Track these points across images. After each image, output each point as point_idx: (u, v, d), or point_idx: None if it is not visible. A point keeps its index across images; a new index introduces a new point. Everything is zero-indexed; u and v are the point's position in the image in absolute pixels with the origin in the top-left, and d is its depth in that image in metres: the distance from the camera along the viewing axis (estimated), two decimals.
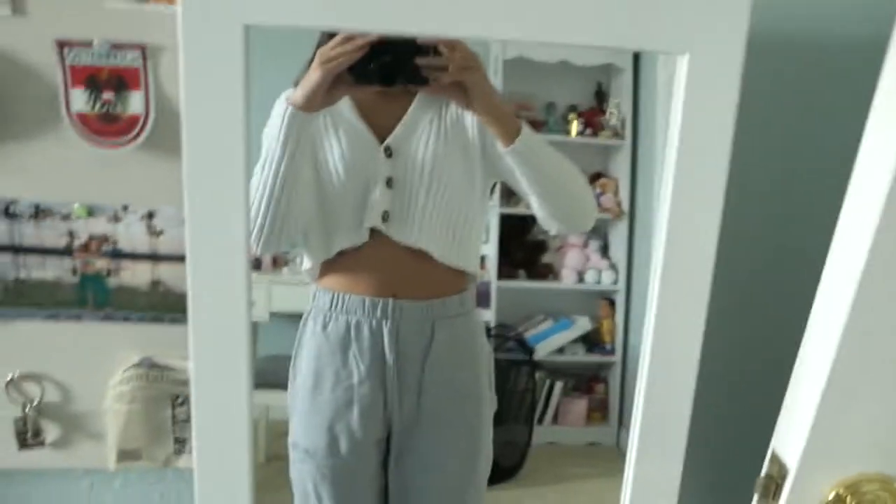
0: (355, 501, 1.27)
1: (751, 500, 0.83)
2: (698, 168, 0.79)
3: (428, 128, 1.21)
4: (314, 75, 1.04)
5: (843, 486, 0.74)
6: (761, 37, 0.77)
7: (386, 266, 1.21)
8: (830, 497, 0.75)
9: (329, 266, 1.25)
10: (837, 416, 0.72)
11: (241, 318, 0.82)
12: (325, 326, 1.23)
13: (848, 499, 0.74)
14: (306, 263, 1.29)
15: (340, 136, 1.20)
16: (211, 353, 0.81)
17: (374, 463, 1.27)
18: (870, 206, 0.65)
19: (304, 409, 1.24)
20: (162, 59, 0.77)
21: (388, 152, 1.19)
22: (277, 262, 3.31)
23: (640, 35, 0.77)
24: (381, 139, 1.20)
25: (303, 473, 1.26)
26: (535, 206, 1.22)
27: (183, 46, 0.72)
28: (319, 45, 1.11)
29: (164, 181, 0.81)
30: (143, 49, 0.75)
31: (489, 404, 1.31)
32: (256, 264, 3.23)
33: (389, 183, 1.19)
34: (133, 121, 0.78)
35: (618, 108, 3.11)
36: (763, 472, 0.81)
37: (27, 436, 0.91)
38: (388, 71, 1.04)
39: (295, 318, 1.33)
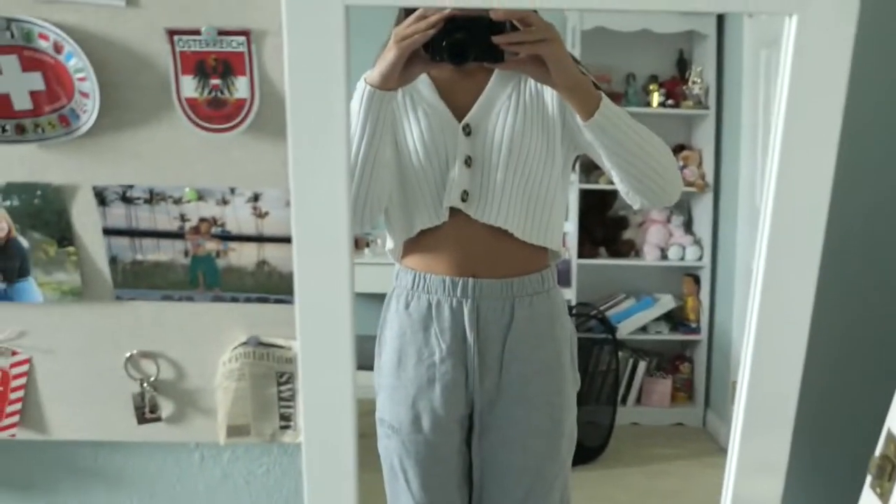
0: (439, 477, 1.29)
1: (863, 480, 0.80)
2: (807, 139, 0.76)
3: (507, 104, 1.21)
4: (389, 54, 1.04)
5: None
6: None
7: (466, 245, 1.22)
8: None
9: (410, 246, 1.27)
10: None
11: (345, 296, 0.83)
12: (407, 305, 1.25)
13: None
14: (389, 243, 1.31)
15: (420, 115, 1.21)
16: (316, 332, 0.83)
17: (457, 439, 1.28)
18: None
19: (388, 385, 1.27)
20: (266, 44, 0.79)
21: (468, 130, 1.19)
22: (359, 244, 3.37)
23: None
24: (460, 118, 1.20)
25: (389, 449, 1.29)
26: (617, 180, 1.20)
27: (287, 29, 0.73)
28: (396, 23, 1.12)
29: (268, 164, 0.83)
30: (247, 34, 0.77)
31: (572, 383, 1.31)
32: None
33: (468, 162, 1.19)
34: (239, 105, 0.80)
35: (701, 76, 3.01)
36: (878, 452, 0.78)
37: (145, 411, 0.95)
38: (462, 48, 1.04)
39: (377, 298, 1.35)
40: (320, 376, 0.85)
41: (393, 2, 0.68)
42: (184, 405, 0.97)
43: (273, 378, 0.95)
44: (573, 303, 3.06)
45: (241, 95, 0.80)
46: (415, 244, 1.26)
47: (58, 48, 0.79)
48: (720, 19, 2.97)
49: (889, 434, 0.78)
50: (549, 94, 1.21)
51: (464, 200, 1.19)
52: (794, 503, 0.93)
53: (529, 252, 1.24)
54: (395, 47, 1.03)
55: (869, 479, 0.80)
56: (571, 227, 3.05)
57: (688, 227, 3.17)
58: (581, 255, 3.06)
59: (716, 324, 3.08)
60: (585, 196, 3.12)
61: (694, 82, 3.03)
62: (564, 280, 3.14)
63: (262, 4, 0.77)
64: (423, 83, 1.20)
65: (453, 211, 1.20)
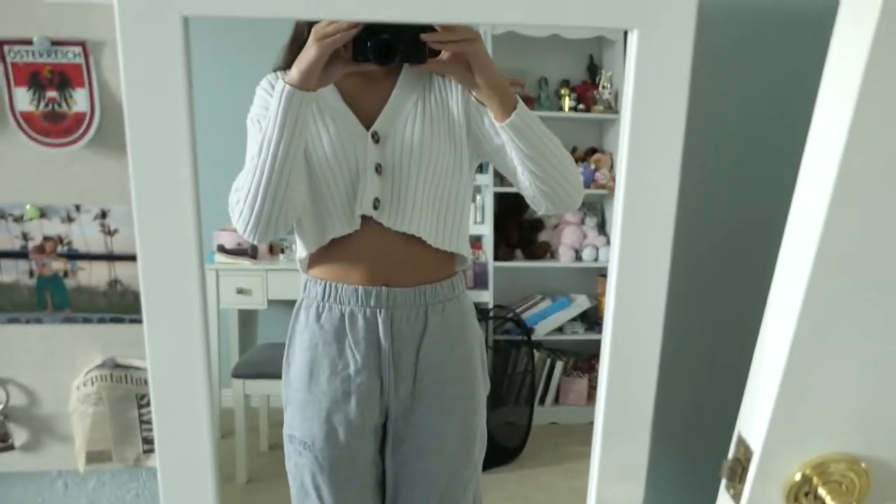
0: (354, 490, 1.27)
1: (719, 483, 0.82)
2: (652, 146, 0.77)
3: (413, 111, 1.20)
4: (310, 52, 1.02)
5: (809, 466, 0.73)
6: (713, 7, 0.75)
7: (378, 254, 1.20)
8: (797, 478, 0.74)
9: (319, 255, 1.25)
10: (799, 396, 0.71)
11: (196, 315, 0.81)
12: (318, 317, 1.23)
13: (814, 479, 0.73)
14: (300, 252, 1.28)
15: (328, 122, 1.19)
16: (167, 353, 0.80)
17: (371, 450, 1.27)
18: (823, 182, 0.63)
19: (299, 399, 1.25)
20: (104, 55, 0.76)
21: (376, 138, 1.18)
22: (274, 250, 3.30)
23: (588, 11, 0.75)
24: (367, 125, 1.19)
25: (300, 466, 1.26)
26: (524, 184, 1.22)
27: (121, 40, 0.70)
28: (304, 25, 1.10)
29: (114, 179, 0.80)
30: (83, 45, 0.74)
31: (483, 386, 1.32)
32: (252, 252, 3.22)
33: (378, 169, 1.18)
34: (79, 119, 0.76)
35: (610, 81, 3.06)
36: (729, 455, 0.80)
37: None
38: (388, 48, 1.03)
39: (292, 305, 1.33)
40: (174, 400, 0.82)
41: (232, 13, 0.66)
42: (39, 432, 0.93)
43: (133, 401, 0.91)
44: (490, 305, 3.07)
45: (80, 108, 0.76)
46: (324, 253, 1.24)
47: None
48: None
49: (739, 437, 0.80)
50: (455, 101, 1.21)
51: (375, 208, 1.18)
52: None
53: (440, 259, 1.24)
54: (316, 45, 1.01)
55: (723, 481, 0.82)
56: (487, 229, 3.06)
57: (601, 228, 3.23)
58: (497, 258, 3.08)
59: None
60: (501, 199, 3.13)
61: (604, 87, 3.08)
62: (482, 283, 3.15)
63: (98, 14, 0.74)
64: (328, 90, 1.18)
65: (364, 219, 1.18)
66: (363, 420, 1.22)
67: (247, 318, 3.52)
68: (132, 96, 0.74)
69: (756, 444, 0.75)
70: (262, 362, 2.78)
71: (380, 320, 1.19)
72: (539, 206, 1.25)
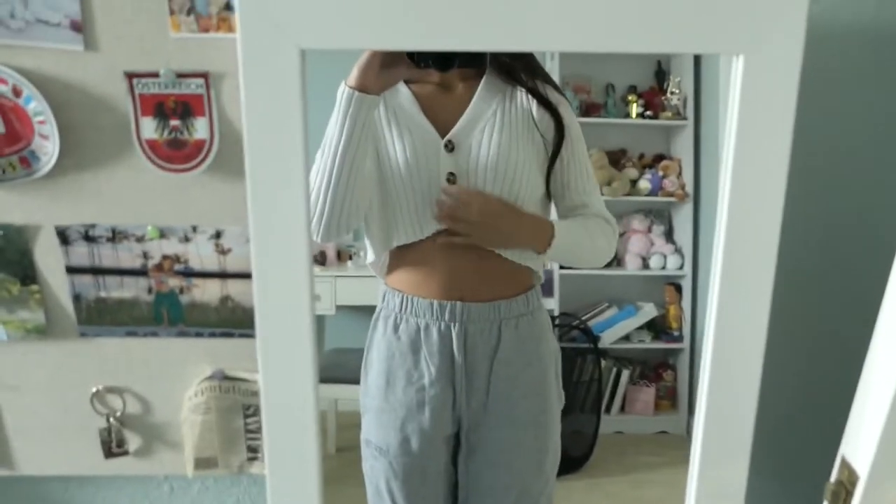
0: (426, 498, 1.28)
1: None
2: (757, 169, 0.77)
3: (491, 120, 1.19)
4: (367, 52, 1.05)
5: None
6: (822, 27, 0.75)
7: (452, 266, 1.20)
8: None
9: (396, 263, 1.26)
10: None
11: (306, 332, 0.84)
12: (395, 328, 1.24)
13: None
14: (370, 257, 1.29)
15: (403, 131, 1.19)
16: (278, 365, 0.84)
17: (444, 459, 1.28)
18: None
19: (376, 407, 1.26)
20: (224, 86, 0.80)
21: (450, 147, 1.18)
22: (342, 257, 3.37)
23: (691, 37, 0.76)
24: (444, 134, 1.19)
25: (375, 470, 1.28)
26: None
27: (243, 72, 0.74)
28: None
29: (229, 202, 0.84)
30: (206, 76, 0.78)
31: (557, 400, 1.31)
32: (321, 258, 3.30)
33: (451, 179, 1.18)
34: (199, 146, 0.81)
35: (679, 87, 3.03)
36: (833, 478, 0.79)
37: (112, 445, 0.96)
38: (447, 53, 1.04)
39: (360, 310, 1.35)
40: (283, 409, 0.86)
41: (347, 45, 0.70)
42: (151, 439, 0.98)
43: (239, 411, 0.95)
44: (556, 313, 3.07)
45: (200, 136, 0.80)
46: (400, 262, 1.25)
47: (17, 92, 0.80)
48: None
49: (843, 460, 0.80)
50: (536, 109, 1.21)
51: None
52: None
53: (515, 273, 1.24)
54: None
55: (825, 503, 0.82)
56: None
57: (669, 236, 3.19)
58: (563, 266, 3.07)
59: (698, 332, 3.10)
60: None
61: (672, 93, 3.05)
62: (547, 290, 3.15)
63: (220, 47, 0.78)
64: (406, 100, 1.20)
65: (436, 230, 1.19)
66: (436, 430, 1.24)
67: (316, 324, 3.59)
68: (252, 125, 0.78)
69: (862, 467, 0.74)
70: (330, 367, 2.83)
71: (453, 334, 1.20)
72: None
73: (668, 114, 3.14)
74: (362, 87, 1.06)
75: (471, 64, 1.06)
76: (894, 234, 0.70)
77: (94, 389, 0.95)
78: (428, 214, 1.18)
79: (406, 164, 1.17)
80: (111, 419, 0.96)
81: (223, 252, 0.87)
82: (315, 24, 0.70)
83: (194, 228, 0.86)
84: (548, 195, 1.25)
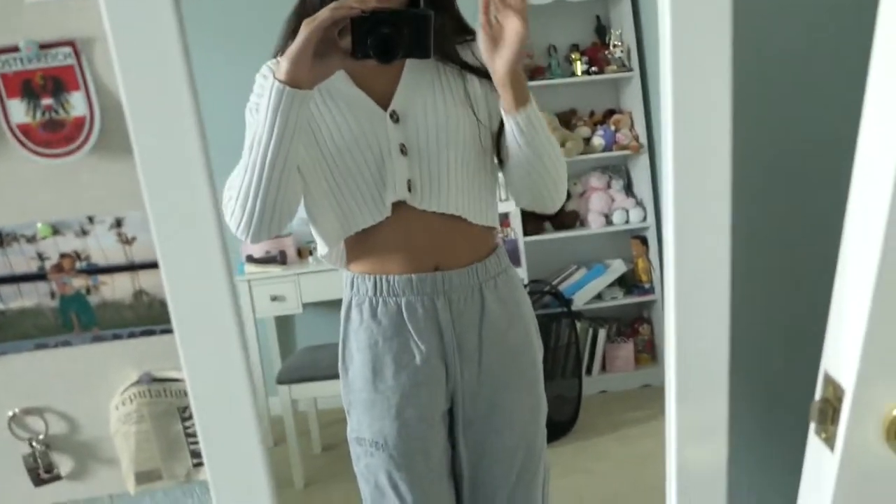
0: (432, 482, 1.25)
1: (807, 427, 0.76)
2: (699, 88, 0.71)
3: (430, 87, 1.15)
4: (298, 39, 0.97)
5: None
6: None
7: (420, 238, 1.17)
8: (895, 413, 0.68)
9: (357, 248, 1.21)
10: (891, 325, 0.64)
11: (228, 317, 0.76)
12: (374, 314, 1.19)
13: None
14: (321, 249, 1.24)
15: (342, 108, 1.14)
16: (203, 360, 0.76)
17: (443, 438, 1.25)
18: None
19: (365, 400, 1.21)
20: (96, 53, 0.71)
21: (395, 118, 1.13)
22: (302, 253, 3.29)
23: None
24: (384, 106, 1.14)
25: (373, 467, 1.22)
26: (513, 178, 1.19)
27: (112, 33, 0.65)
28: (296, 13, 1.05)
29: (125, 184, 0.75)
30: (73, 44, 0.69)
31: (540, 352, 1.30)
32: (282, 258, 3.21)
33: (403, 150, 1.13)
34: (79, 124, 0.72)
35: (621, 39, 3.00)
36: (817, 397, 0.74)
37: (40, 471, 0.87)
38: (389, 44, 0.97)
39: (328, 305, 1.30)
40: (216, 406, 0.78)
41: None
42: (83, 458, 0.89)
43: (176, 414, 0.87)
44: (525, 281, 3.02)
45: (78, 113, 0.72)
46: (362, 246, 1.20)
47: None
48: None
49: (826, 376, 0.74)
50: (470, 75, 1.17)
51: (410, 191, 1.14)
52: (742, 464, 0.89)
53: (481, 233, 1.22)
54: (304, 28, 0.96)
55: (813, 425, 0.76)
56: (514, 206, 3.01)
57: (628, 190, 3.16)
58: (527, 233, 3.03)
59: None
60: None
61: (615, 46, 3.02)
62: (514, 259, 3.10)
63: (85, 8, 0.69)
64: (337, 75, 1.13)
65: (395, 205, 1.14)
66: (433, 410, 1.20)
67: (284, 325, 3.52)
68: (131, 92, 0.69)
69: (847, 380, 0.68)
70: (304, 366, 2.76)
71: (439, 306, 1.16)
72: (519, 199, 1.23)
73: (614, 67, 3.11)
74: (294, 82, 0.99)
75: (413, 53, 0.99)
76: (854, 144, 0.64)
77: (9, 413, 0.86)
78: (386, 190, 1.13)
79: (354, 141, 1.12)
80: (34, 443, 0.87)
81: (128, 242, 0.78)
82: None
83: (90, 219, 0.77)
84: (497, 155, 1.22)
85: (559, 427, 2.81)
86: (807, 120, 1.08)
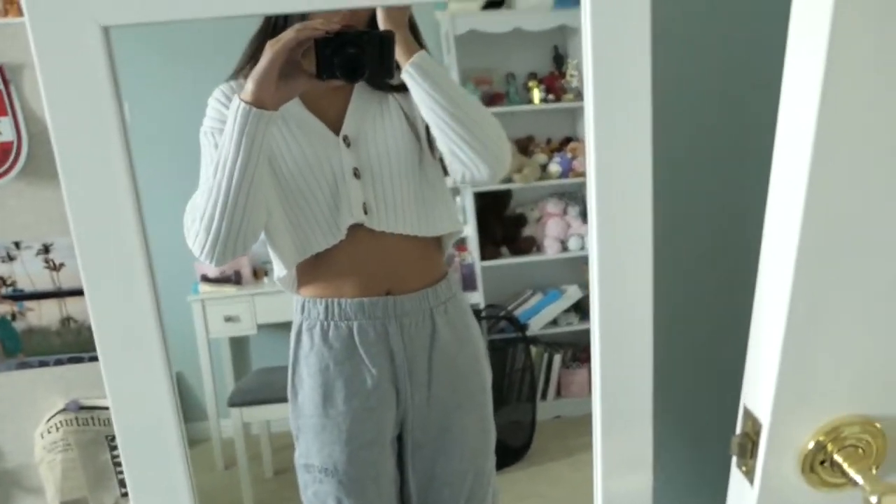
0: None
1: (730, 461, 0.77)
2: (619, 110, 0.73)
3: (378, 109, 1.17)
4: (263, 59, 0.98)
5: (821, 433, 0.69)
6: None
7: (373, 261, 1.18)
8: (810, 446, 0.70)
9: (309, 272, 1.21)
10: (804, 359, 0.66)
11: (155, 346, 0.75)
12: (324, 337, 1.19)
13: (829, 446, 0.69)
14: (278, 271, 1.24)
15: (295, 132, 1.15)
16: (128, 389, 0.75)
17: (391, 464, 1.26)
18: (804, 128, 0.59)
19: (314, 426, 1.21)
20: (25, 78, 0.70)
21: (347, 142, 1.15)
22: (258, 274, 3.24)
23: None
24: (335, 129, 1.16)
25: (321, 494, 1.22)
26: (442, 147, 1.18)
27: (38, 59, 0.66)
28: (259, 35, 1.06)
29: (53, 210, 0.75)
30: (0, 69, 0.69)
31: (489, 376, 1.32)
32: (237, 278, 3.17)
33: (357, 173, 1.15)
34: (5, 149, 0.71)
35: (577, 68, 3.05)
36: (738, 430, 0.76)
37: None
38: (354, 64, 0.98)
39: (283, 327, 1.29)
40: (139, 437, 0.77)
41: (155, 18, 0.61)
42: (7, 487, 0.87)
43: (104, 443, 0.86)
44: (482, 306, 3.03)
45: (5, 138, 0.71)
46: (313, 270, 1.20)
47: None
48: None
49: (745, 410, 0.76)
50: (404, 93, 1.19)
51: (366, 213, 1.15)
52: (668, 497, 0.90)
53: (432, 256, 1.24)
54: (268, 50, 0.97)
55: (734, 459, 0.78)
56: (471, 230, 3.02)
57: (584, 216, 3.19)
58: (484, 258, 3.04)
59: None
60: (480, 198, 3.10)
61: (571, 75, 3.07)
62: (470, 284, 3.11)
63: (13, 34, 0.69)
64: None
65: (350, 228, 1.15)
66: (384, 435, 1.21)
67: (238, 346, 3.46)
68: (56, 119, 0.69)
69: (764, 414, 0.70)
70: (257, 388, 2.73)
71: (391, 331, 1.17)
72: (456, 170, 1.20)
73: (570, 96, 3.16)
74: (259, 103, 1.00)
75: (379, 73, 1.01)
76: (769, 159, 0.66)
77: None
78: (341, 214, 1.14)
79: (308, 165, 1.13)
80: None
81: (55, 268, 0.77)
82: None
83: (17, 244, 0.76)
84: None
85: (513, 452, 2.80)
86: (724, 143, 1.11)
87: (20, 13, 0.66)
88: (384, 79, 1.07)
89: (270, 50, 0.97)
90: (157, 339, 0.72)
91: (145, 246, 0.70)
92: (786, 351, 0.66)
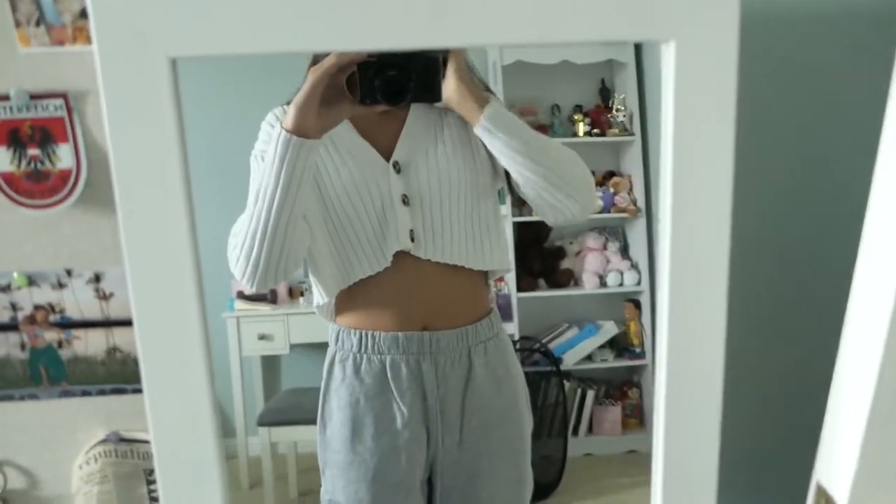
0: None
1: None
2: (700, 166, 0.69)
3: (432, 136, 1.13)
4: (304, 87, 0.95)
5: None
6: (759, 12, 0.68)
7: (412, 294, 1.13)
8: None
9: (347, 301, 1.17)
10: (888, 441, 0.62)
11: (202, 386, 0.72)
12: (357, 370, 1.14)
13: None
14: (319, 298, 1.20)
15: (345, 157, 1.12)
16: (171, 425, 0.72)
17: None
18: None
19: (341, 462, 1.15)
20: (88, 106, 0.69)
21: (398, 168, 1.11)
22: (293, 293, 3.25)
23: (613, 24, 0.68)
24: (387, 156, 1.12)
25: None
26: (527, 194, 1.13)
27: (104, 90, 0.64)
28: (314, 61, 1.04)
29: (107, 239, 0.73)
30: (65, 97, 0.68)
31: (528, 424, 1.24)
32: (272, 297, 3.18)
33: (406, 200, 1.11)
34: (64, 176, 0.70)
35: (623, 103, 3.02)
36: None
37: None
38: (398, 87, 0.95)
39: (316, 347, 1.26)
40: (183, 480, 0.74)
41: (224, 51, 0.59)
42: None
43: (141, 477, 0.84)
44: (516, 337, 2.99)
45: (64, 165, 0.70)
46: (351, 299, 1.16)
47: None
48: (637, 47, 3.00)
49: (818, 487, 0.71)
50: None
51: (413, 241, 1.11)
52: None
53: (477, 293, 1.18)
54: (309, 77, 0.94)
55: None
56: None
57: (624, 252, 3.15)
58: (521, 289, 3.01)
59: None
60: (521, 229, 3.08)
61: (618, 110, 3.04)
62: (506, 315, 3.08)
63: (80, 61, 0.68)
64: (341, 125, 1.12)
65: (395, 256, 1.11)
66: (412, 477, 1.14)
67: (270, 364, 3.47)
68: (118, 149, 0.66)
69: (841, 494, 0.66)
70: (287, 409, 2.71)
71: (424, 368, 1.11)
72: (545, 216, 1.14)
73: (615, 131, 3.14)
74: (300, 131, 0.97)
75: (423, 96, 0.97)
76: (857, 236, 0.62)
77: None
78: (387, 241, 1.10)
79: (356, 191, 1.10)
80: None
81: (105, 297, 0.76)
82: (185, 28, 0.61)
83: (69, 272, 0.75)
84: (508, 198, 1.20)
85: (543, 488, 2.75)
86: (809, 192, 1.06)
87: (88, 41, 0.65)
88: (430, 101, 1.04)
89: (312, 76, 0.94)
90: (205, 376, 0.70)
91: (199, 278, 0.68)
92: (870, 428, 0.62)
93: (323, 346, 1.20)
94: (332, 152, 1.12)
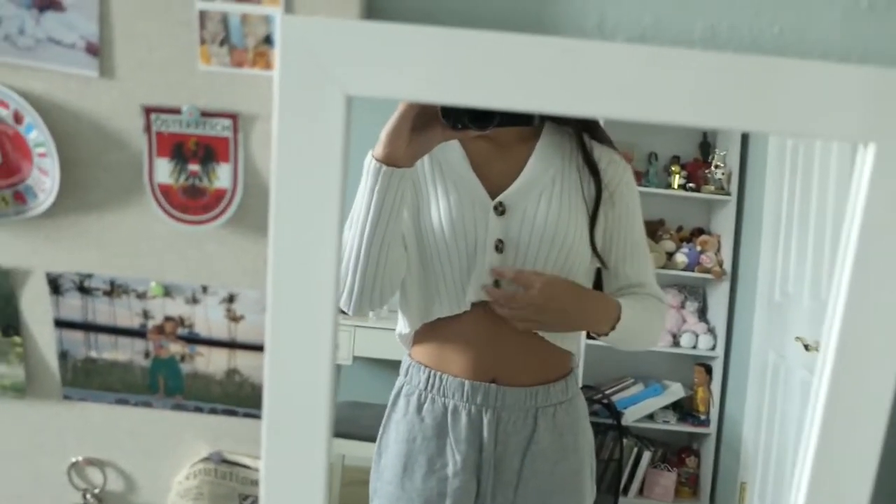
0: None
1: None
2: (880, 277, 0.65)
3: (549, 186, 1.09)
4: (394, 114, 0.94)
5: None
6: None
7: (487, 344, 1.11)
8: None
9: (426, 335, 1.16)
10: None
11: (322, 422, 0.72)
12: (419, 408, 1.13)
13: None
14: (402, 327, 1.19)
15: (448, 189, 1.10)
16: (284, 456, 0.72)
17: None
18: None
19: (389, 494, 1.14)
20: (254, 130, 0.69)
21: (500, 209, 1.08)
22: None
23: (812, 122, 0.64)
24: (494, 195, 1.10)
25: None
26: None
27: (279, 117, 0.64)
28: None
29: (247, 263, 0.73)
30: (234, 118, 0.67)
31: (590, 496, 1.20)
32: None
33: (499, 247, 1.09)
34: (219, 196, 0.70)
35: (724, 161, 2.94)
36: None
37: None
38: (484, 111, 0.92)
39: (378, 363, 1.26)
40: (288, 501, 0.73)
41: (401, 95, 0.58)
42: None
43: (235, 500, 0.83)
44: (579, 385, 2.93)
45: (222, 185, 0.70)
46: (430, 334, 1.14)
47: (18, 118, 0.70)
48: None
49: None
50: (591, 182, 1.13)
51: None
52: None
53: (556, 355, 1.15)
54: (401, 105, 0.93)
55: None
56: None
57: (702, 314, 3.06)
58: (589, 336, 2.93)
59: (726, 417, 2.93)
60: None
61: (717, 166, 2.96)
62: None
63: (255, 85, 0.68)
64: (455, 154, 1.09)
65: (476, 303, 1.09)
66: None
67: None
68: (283, 176, 0.66)
69: None
70: (342, 421, 2.68)
71: (485, 420, 1.09)
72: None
73: (711, 187, 3.05)
74: (390, 159, 0.96)
75: (513, 122, 0.94)
76: None
77: (72, 460, 0.83)
78: (470, 284, 1.08)
79: (451, 225, 1.08)
80: (88, 495, 0.84)
81: (235, 319, 0.75)
82: (365, 69, 0.60)
83: (204, 289, 0.75)
84: (597, 268, 1.17)
85: None
86: None
87: (266, 66, 0.65)
88: (522, 125, 1.01)
89: (403, 103, 0.93)
90: (327, 410, 0.69)
91: (335, 316, 0.67)
92: None
93: (385, 363, 1.19)
94: (436, 180, 1.10)
